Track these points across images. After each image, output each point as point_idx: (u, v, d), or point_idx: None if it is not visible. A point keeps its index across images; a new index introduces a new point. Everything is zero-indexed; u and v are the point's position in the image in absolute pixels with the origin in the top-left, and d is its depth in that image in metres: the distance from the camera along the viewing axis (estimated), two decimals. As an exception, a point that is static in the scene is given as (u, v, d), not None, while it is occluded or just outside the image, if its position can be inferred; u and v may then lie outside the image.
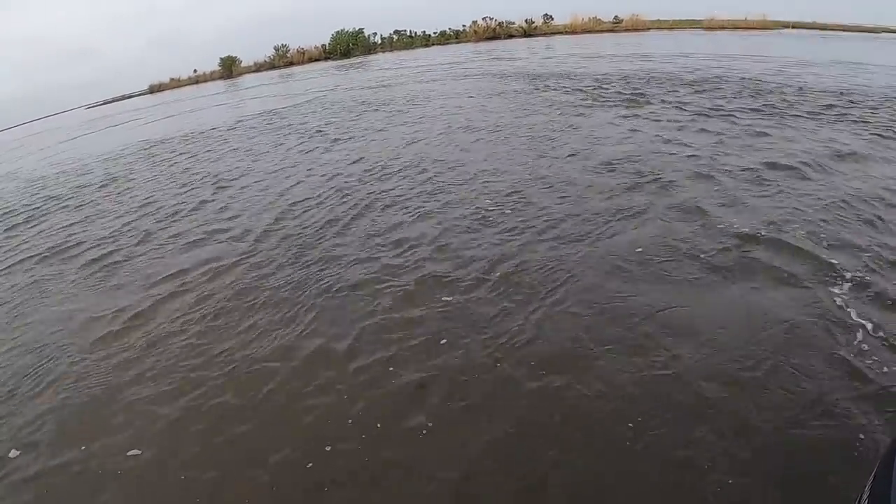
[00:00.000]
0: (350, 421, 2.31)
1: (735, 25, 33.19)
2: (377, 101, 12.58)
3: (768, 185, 4.33)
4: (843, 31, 29.62)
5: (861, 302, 2.64)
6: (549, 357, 2.52)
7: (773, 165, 4.77)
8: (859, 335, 2.39)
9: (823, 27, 31.19)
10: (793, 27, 32.12)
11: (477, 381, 2.44)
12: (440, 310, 3.06)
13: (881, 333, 2.39)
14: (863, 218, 3.57)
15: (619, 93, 9.49)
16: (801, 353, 2.33)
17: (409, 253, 3.85)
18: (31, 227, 6.57)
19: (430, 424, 2.22)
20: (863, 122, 6.27)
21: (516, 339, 2.69)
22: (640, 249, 3.43)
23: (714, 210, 3.91)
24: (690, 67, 12.31)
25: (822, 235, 3.35)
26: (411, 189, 5.36)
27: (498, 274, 3.35)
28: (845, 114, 6.66)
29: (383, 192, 5.40)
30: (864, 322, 2.47)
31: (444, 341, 2.76)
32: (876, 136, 5.57)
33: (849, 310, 2.57)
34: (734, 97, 8.26)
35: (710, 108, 7.51)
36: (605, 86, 10.55)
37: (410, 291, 3.30)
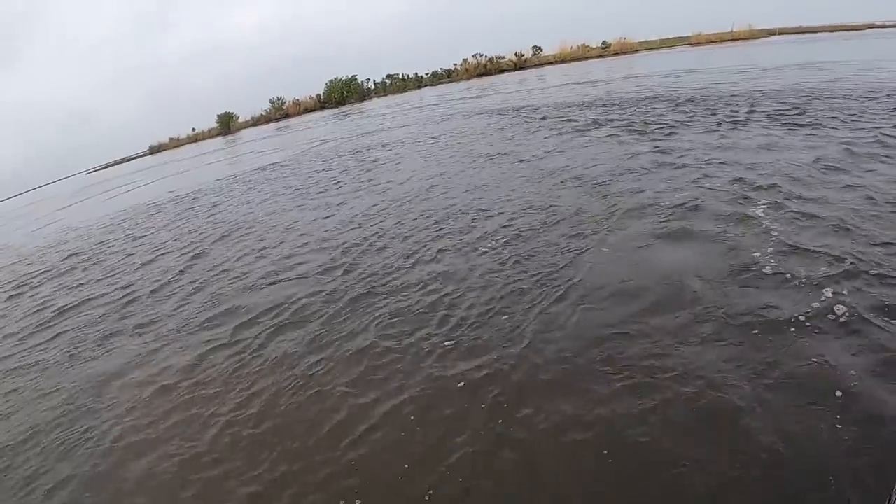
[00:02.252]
0: None
1: (721, 38, 33.47)
2: (370, 146, 12.55)
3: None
4: (830, 31, 29.74)
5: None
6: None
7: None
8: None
9: (809, 30, 31.38)
10: (779, 33, 32.37)
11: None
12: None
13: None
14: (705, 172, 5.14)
15: (592, 119, 9.71)
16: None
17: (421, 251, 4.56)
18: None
19: None
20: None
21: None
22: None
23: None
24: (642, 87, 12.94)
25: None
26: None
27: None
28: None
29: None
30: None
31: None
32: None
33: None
34: (666, 110, 9.38)
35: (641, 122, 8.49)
36: (575, 112, 11.06)
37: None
